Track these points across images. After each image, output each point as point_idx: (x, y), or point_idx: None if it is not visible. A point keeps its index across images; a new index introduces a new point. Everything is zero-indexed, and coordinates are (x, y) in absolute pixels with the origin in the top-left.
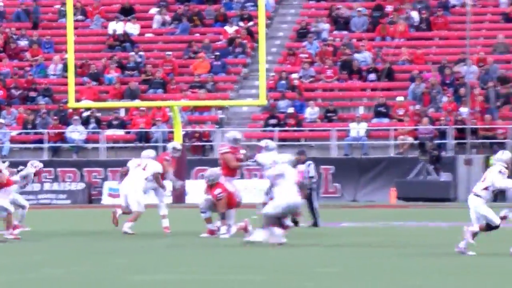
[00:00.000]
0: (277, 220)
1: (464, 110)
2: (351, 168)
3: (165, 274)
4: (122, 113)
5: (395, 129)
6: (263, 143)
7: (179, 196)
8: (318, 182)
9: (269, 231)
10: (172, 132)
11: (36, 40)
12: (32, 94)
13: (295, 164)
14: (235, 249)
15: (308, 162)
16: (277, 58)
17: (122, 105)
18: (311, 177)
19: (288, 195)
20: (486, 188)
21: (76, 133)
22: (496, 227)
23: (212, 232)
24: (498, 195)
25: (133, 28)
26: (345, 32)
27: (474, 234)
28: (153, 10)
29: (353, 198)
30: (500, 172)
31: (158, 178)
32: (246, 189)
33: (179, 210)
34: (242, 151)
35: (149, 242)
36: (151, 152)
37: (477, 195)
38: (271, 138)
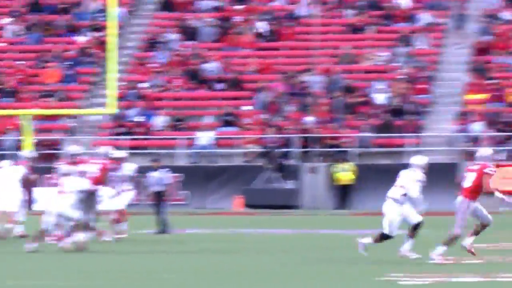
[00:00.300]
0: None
1: (309, 119)
2: (199, 176)
3: (17, 280)
4: None
5: (242, 138)
6: (117, 153)
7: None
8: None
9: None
10: (22, 141)
11: None
12: None
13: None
14: (82, 255)
15: (162, 169)
16: (127, 67)
17: None
18: (167, 184)
19: (57, 204)
20: (404, 195)
21: None
22: (387, 236)
23: (61, 238)
24: None
25: None
26: (193, 42)
27: (378, 240)
28: (5, 20)
29: (201, 205)
30: (418, 181)
31: (29, 179)
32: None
33: (27, 217)
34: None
35: (2, 248)
36: (6, 163)
37: (394, 201)
38: (118, 147)
